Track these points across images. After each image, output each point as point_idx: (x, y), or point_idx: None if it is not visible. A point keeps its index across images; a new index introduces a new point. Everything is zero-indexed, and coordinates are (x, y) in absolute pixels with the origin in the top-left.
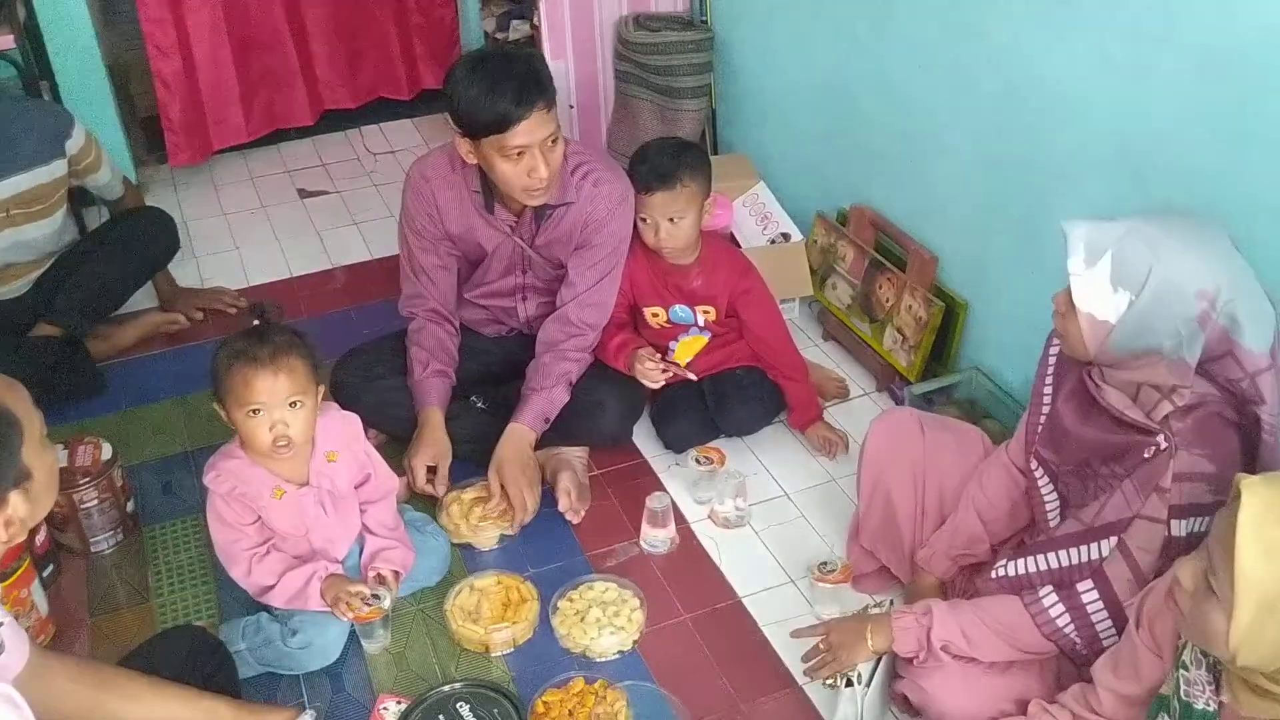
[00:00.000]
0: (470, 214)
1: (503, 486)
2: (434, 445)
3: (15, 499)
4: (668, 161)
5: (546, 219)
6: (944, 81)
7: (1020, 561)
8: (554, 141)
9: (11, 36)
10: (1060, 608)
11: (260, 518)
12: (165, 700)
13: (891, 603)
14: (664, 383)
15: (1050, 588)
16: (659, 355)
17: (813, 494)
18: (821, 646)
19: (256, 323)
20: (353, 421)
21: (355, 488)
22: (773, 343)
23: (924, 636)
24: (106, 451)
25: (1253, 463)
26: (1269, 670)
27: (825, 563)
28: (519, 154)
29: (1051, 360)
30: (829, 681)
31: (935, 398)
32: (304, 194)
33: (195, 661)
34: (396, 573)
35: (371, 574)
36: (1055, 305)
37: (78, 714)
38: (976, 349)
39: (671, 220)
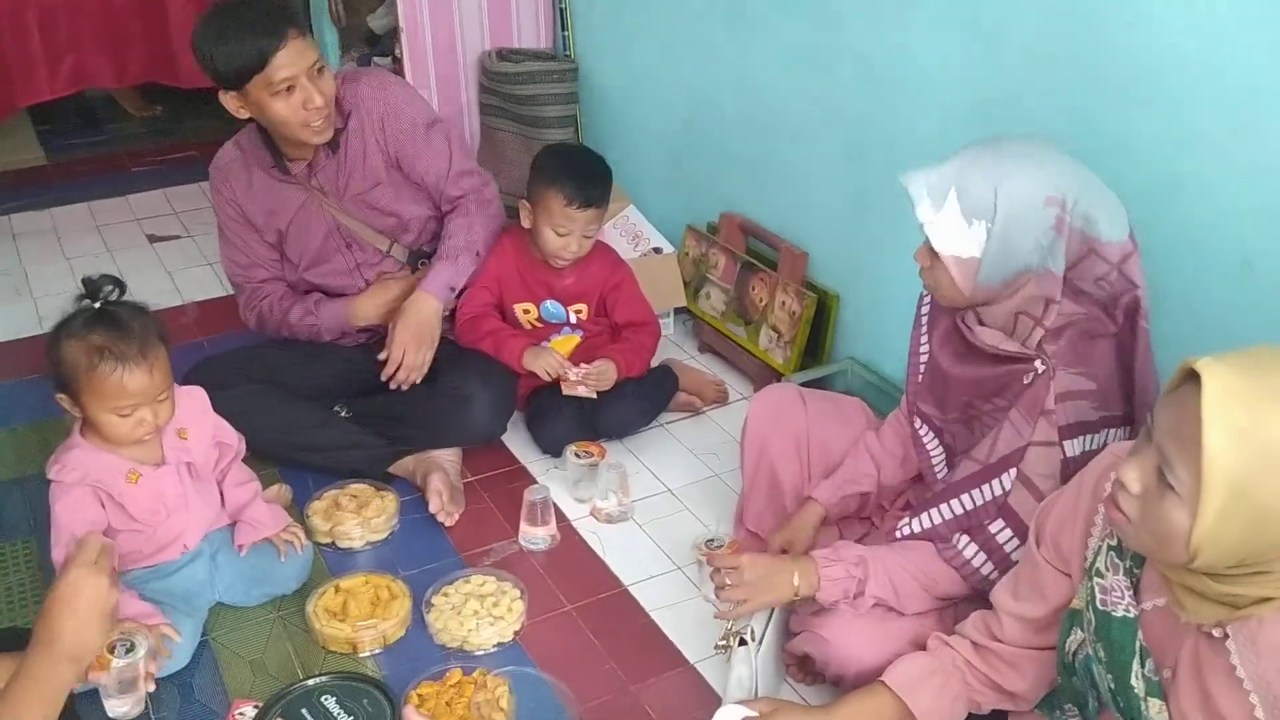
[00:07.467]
0: (269, 184)
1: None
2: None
3: None
4: (601, 179)
5: (340, 148)
6: (803, 76)
7: (924, 516)
8: (320, 69)
9: None
10: (974, 549)
11: (106, 511)
12: None
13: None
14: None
15: (962, 534)
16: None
17: (695, 489)
18: (732, 580)
19: (96, 304)
20: (198, 396)
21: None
22: (639, 322)
23: (854, 588)
24: None
25: (1129, 374)
26: (1224, 568)
27: (712, 539)
28: (288, 88)
29: (924, 318)
30: (721, 644)
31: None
32: (154, 239)
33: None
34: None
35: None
36: (919, 260)
37: None
38: (851, 341)
39: (587, 236)
